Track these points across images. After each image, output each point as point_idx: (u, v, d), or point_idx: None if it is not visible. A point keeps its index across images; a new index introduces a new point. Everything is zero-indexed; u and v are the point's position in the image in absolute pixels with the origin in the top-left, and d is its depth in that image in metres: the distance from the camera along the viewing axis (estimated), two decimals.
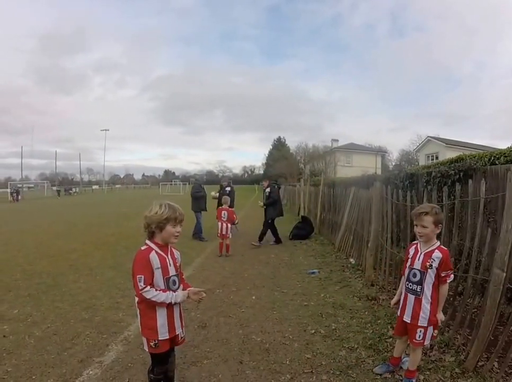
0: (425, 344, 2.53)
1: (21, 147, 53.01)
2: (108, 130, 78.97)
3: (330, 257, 7.08)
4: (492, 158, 4.03)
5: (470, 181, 3.33)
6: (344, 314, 4.00)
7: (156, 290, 2.16)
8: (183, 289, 2.37)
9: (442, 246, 2.49)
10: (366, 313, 3.99)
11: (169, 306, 2.25)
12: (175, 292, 2.26)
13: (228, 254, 7.40)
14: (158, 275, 2.20)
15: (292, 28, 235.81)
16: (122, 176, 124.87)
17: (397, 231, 4.54)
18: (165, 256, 2.26)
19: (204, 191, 9.57)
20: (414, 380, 2.57)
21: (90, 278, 5.64)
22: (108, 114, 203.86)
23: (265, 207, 8.82)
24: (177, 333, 2.33)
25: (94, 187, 77.14)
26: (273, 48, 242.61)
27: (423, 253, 2.49)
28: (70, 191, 53.67)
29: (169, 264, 2.27)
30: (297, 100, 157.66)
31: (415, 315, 2.50)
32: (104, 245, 8.58)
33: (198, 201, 9.36)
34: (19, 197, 38.43)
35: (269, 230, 8.72)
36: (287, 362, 2.95)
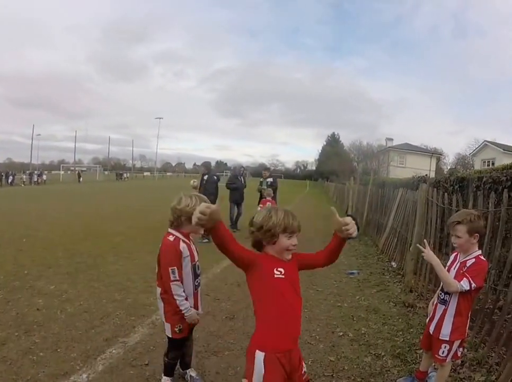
0: (447, 361, 2.32)
1: (75, 131, 57.83)
2: (162, 118, 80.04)
3: (373, 259, 6.83)
4: None
5: None
6: (377, 319, 3.83)
7: (183, 293, 2.28)
8: None
9: (481, 257, 2.25)
10: (400, 320, 3.79)
11: (195, 290, 2.41)
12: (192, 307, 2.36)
13: None
14: (187, 262, 2.32)
15: (355, 26, 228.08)
16: (173, 165, 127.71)
17: (440, 236, 4.26)
18: (190, 243, 2.39)
19: (240, 182, 9.72)
20: None
21: (128, 261, 5.85)
22: (165, 103, 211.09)
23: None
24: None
25: (146, 173, 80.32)
26: (332, 45, 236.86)
27: (459, 262, 2.31)
28: (122, 177, 56.24)
29: (194, 250, 2.40)
30: (355, 97, 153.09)
31: (438, 327, 2.33)
32: (149, 231, 8.76)
33: (232, 193, 9.58)
34: (81, 180, 41.88)
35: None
36: (309, 363, 2.88)
